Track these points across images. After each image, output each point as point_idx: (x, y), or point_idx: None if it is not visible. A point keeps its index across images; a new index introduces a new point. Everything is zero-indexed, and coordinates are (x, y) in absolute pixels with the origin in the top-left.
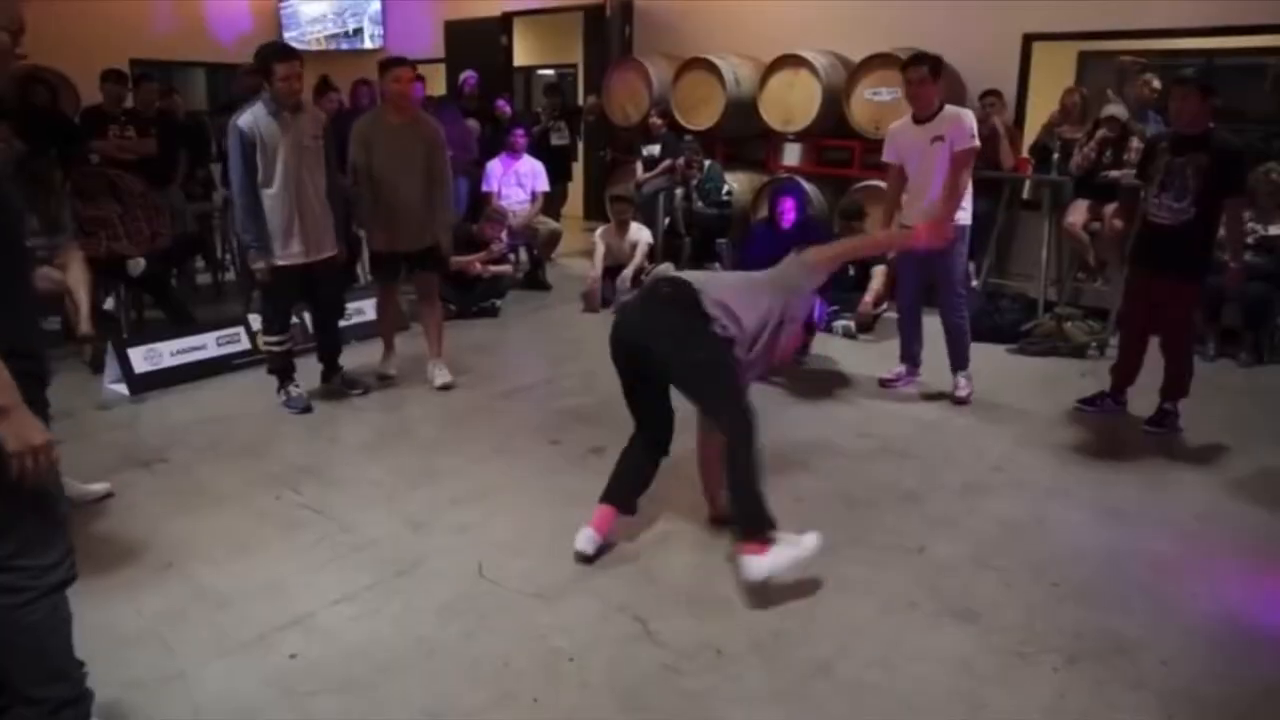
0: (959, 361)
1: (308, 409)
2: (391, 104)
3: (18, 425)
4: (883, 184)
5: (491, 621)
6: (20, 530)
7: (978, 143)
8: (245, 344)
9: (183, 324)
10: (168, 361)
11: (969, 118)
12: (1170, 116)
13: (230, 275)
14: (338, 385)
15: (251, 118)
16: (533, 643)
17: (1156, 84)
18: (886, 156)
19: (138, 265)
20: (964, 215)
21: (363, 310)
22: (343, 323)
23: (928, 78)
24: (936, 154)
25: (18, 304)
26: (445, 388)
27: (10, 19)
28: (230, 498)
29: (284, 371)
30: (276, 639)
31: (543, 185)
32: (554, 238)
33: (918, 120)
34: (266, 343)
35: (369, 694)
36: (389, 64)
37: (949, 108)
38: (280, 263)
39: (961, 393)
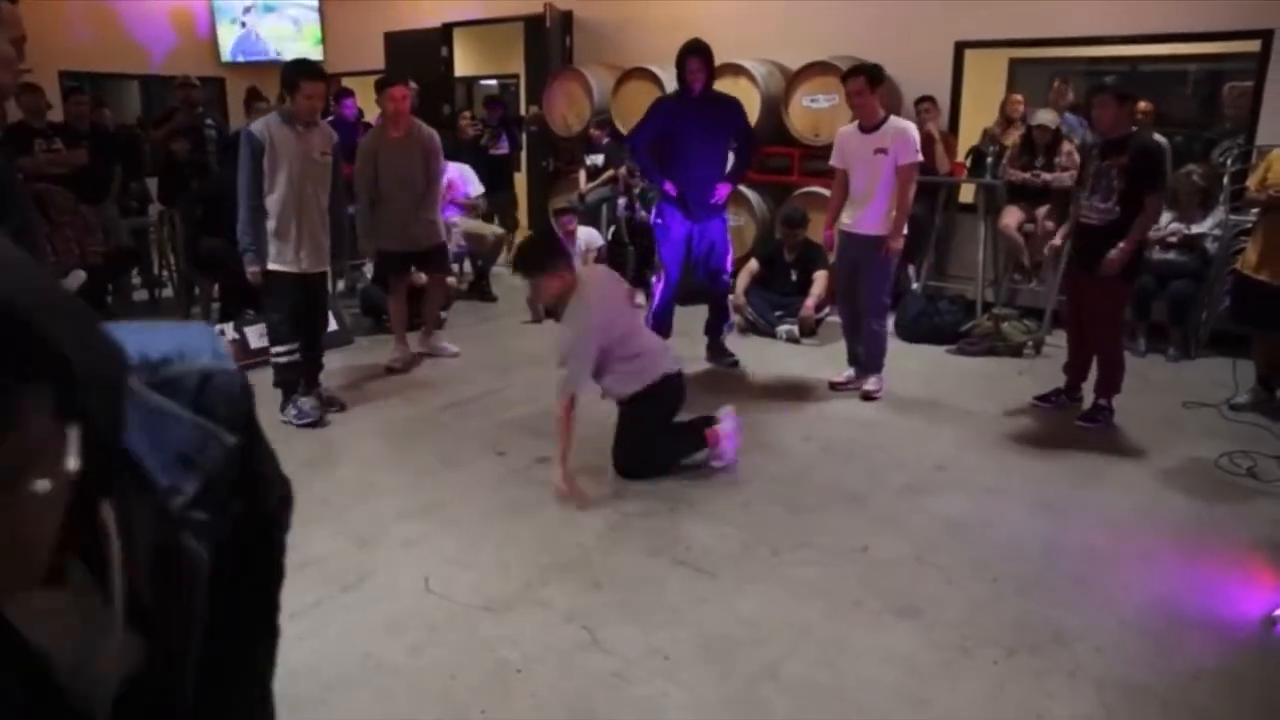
0: (872, 366)
1: (318, 422)
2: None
3: None
4: (823, 190)
5: (439, 635)
6: None
7: (920, 157)
8: None
9: None
10: None
11: (913, 132)
12: (1093, 124)
13: (168, 291)
14: (316, 401)
15: (264, 125)
16: (481, 655)
17: (1058, 82)
18: (833, 161)
19: (77, 278)
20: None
21: None
22: None
23: (865, 88)
24: (880, 165)
25: None
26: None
27: (14, 25)
28: None
29: (291, 384)
30: None
31: (476, 189)
32: (499, 243)
33: (863, 129)
34: (275, 353)
35: (316, 712)
36: (384, 83)
37: (894, 120)
38: (275, 267)
39: (870, 386)
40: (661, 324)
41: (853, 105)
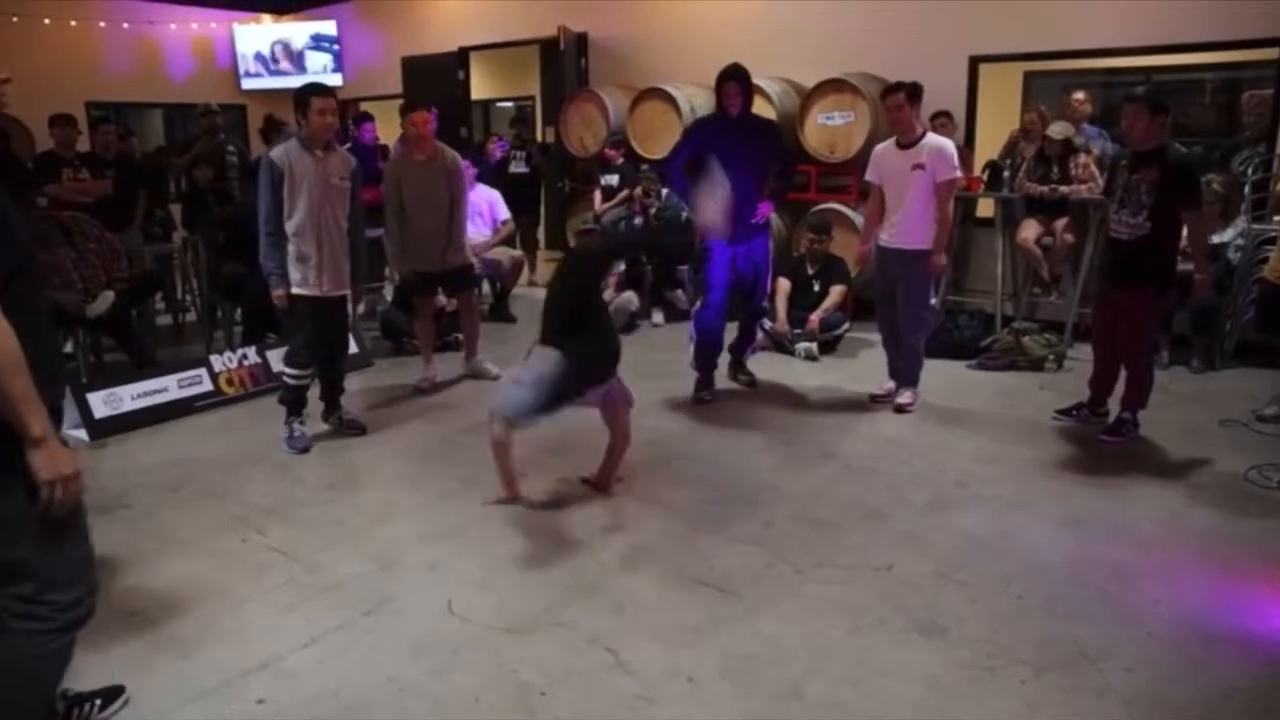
0: (908, 379)
1: (306, 450)
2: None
3: (51, 454)
4: (840, 206)
5: (462, 658)
6: (44, 568)
7: (960, 174)
8: (207, 385)
9: (146, 365)
10: (128, 405)
11: (950, 148)
12: (1123, 134)
13: (191, 316)
14: (336, 425)
15: (283, 151)
16: (504, 678)
17: (1080, 95)
18: (869, 176)
19: (106, 300)
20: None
21: None
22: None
23: (904, 103)
24: (916, 181)
25: (40, 331)
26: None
27: None
28: (194, 542)
29: (295, 405)
30: (243, 685)
31: (504, 213)
32: (518, 265)
33: (900, 145)
34: (288, 374)
35: None
36: (407, 108)
37: (932, 136)
38: (297, 291)
39: (903, 399)
40: (709, 346)
41: (892, 121)
